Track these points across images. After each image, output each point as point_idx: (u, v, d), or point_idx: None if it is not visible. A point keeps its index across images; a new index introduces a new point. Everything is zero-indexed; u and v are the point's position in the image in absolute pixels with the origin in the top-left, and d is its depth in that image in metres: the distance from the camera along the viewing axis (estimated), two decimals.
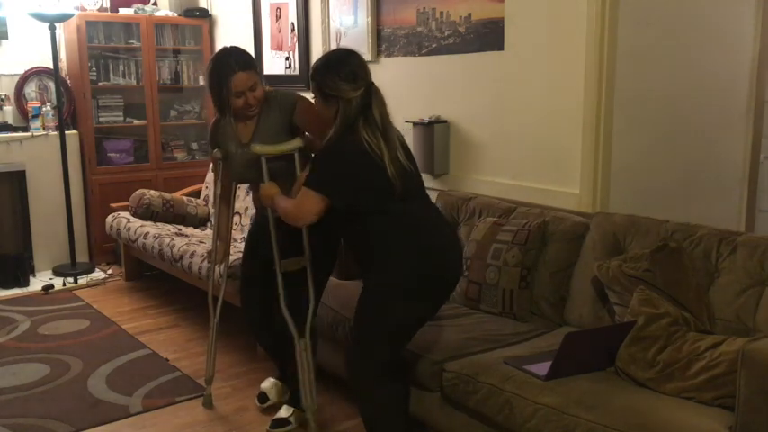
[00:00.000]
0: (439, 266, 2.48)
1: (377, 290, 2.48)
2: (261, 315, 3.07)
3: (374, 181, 2.40)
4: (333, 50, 2.64)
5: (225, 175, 3.06)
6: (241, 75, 2.75)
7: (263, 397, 3.20)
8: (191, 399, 3.29)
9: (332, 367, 3.22)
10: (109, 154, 5.48)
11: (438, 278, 2.49)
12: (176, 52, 5.74)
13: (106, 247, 5.50)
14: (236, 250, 4.11)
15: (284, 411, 3.03)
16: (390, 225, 2.44)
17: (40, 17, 4.88)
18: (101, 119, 5.45)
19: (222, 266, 3.35)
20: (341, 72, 2.42)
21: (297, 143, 2.76)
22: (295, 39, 4.80)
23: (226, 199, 3.15)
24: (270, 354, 3.27)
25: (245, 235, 3.44)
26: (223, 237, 3.18)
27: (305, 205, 2.44)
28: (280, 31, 4.94)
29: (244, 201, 4.60)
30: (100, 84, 5.42)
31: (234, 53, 2.83)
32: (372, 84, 2.45)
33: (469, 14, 3.60)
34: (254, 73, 2.81)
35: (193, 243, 4.28)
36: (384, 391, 2.52)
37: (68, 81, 5.44)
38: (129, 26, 5.50)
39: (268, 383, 3.23)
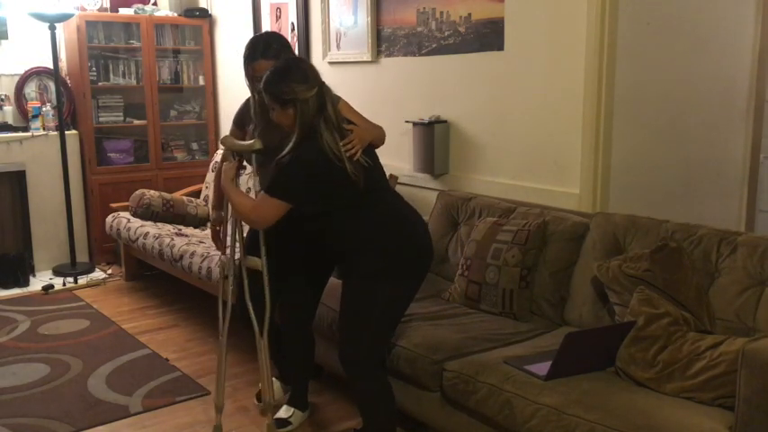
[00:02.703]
0: (412, 249, 2.61)
1: (359, 279, 2.58)
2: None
3: (337, 184, 2.47)
4: (279, 61, 2.67)
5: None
6: (262, 62, 2.77)
7: (261, 396, 3.19)
8: (191, 399, 3.29)
9: (332, 367, 3.21)
10: (109, 154, 5.49)
11: (412, 260, 2.62)
12: (176, 52, 5.74)
13: (106, 247, 5.50)
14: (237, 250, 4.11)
15: (284, 412, 3.03)
16: (360, 218, 2.54)
17: (40, 17, 4.88)
18: (101, 119, 5.45)
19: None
20: (293, 76, 2.48)
21: (256, 144, 2.68)
22: (295, 39, 4.80)
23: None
24: (272, 356, 3.25)
25: None
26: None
27: (263, 210, 2.49)
28: (280, 31, 4.94)
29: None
30: (100, 84, 5.42)
31: (265, 39, 2.86)
32: (324, 83, 2.53)
33: (469, 14, 3.60)
34: None
35: (193, 243, 4.28)
36: (376, 376, 2.62)
37: (68, 81, 5.44)
38: (129, 26, 5.50)
39: None
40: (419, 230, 2.68)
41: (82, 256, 5.42)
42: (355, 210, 2.52)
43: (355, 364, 2.62)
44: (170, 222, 4.92)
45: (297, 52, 4.77)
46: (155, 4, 5.76)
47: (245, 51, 2.85)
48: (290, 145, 2.49)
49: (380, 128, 2.76)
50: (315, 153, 2.43)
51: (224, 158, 2.77)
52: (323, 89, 2.50)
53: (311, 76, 2.50)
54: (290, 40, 4.83)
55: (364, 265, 2.57)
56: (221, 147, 2.89)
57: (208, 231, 4.87)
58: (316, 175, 2.45)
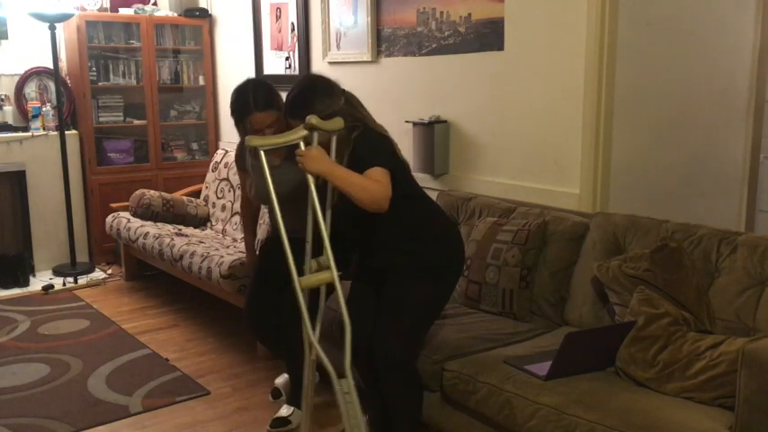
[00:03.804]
0: (460, 243, 2.70)
1: (417, 274, 2.55)
2: (267, 316, 3.04)
3: (405, 164, 2.61)
4: (292, 88, 2.57)
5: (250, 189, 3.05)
6: (258, 115, 2.74)
7: (276, 392, 3.22)
8: (191, 399, 3.29)
9: (332, 367, 3.21)
10: (109, 154, 5.49)
11: (460, 254, 2.70)
12: (176, 52, 5.74)
13: (106, 247, 5.50)
14: (237, 250, 4.12)
15: (284, 410, 3.03)
16: (423, 209, 2.64)
17: (40, 17, 4.88)
18: (101, 119, 5.45)
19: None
20: (320, 92, 2.49)
21: (339, 123, 2.39)
22: (295, 39, 4.80)
23: (252, 217, 3.25)
24: (275, 354, 3.26)
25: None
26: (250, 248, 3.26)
27: (385, 183, 2.37)
28: (280, 31, 4.94)
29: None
30: (100, 84, 5.42)
31: (254, 90, 2.78)
32: (344, 90, 2.58)
33: (469, 14, 3.60)
34: (274, 111, 2.75)
35: (193, 243, 4.29)
36: (413, 372, 2.62)
37: (68, 81, 5.44)
38: (129, 26, 5.50)
39: (282, 379, 3.25)
40: (457, 230, 2.78)
41: (82, 256, 5.42)
42: (417, 201, 2.61)
43: (406, 369, 2.57)
44: (170, 222, 4.93)
45: (297, 52, 4.78)
46: (155, 4, 5.76)
47: (233, 106, 2.80)
48: (358, 133, 2.50)
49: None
50: (383, 131, 2.55)
51: (308, 134, 2.35)
52: (346, 95, 2.55)
53: (333, 86, 2.54)
54: (289, 40, 4.84)
55: (413, 262, 2.54)
56: (257, 145, 2.34)
57: (208, 231, 4.89)
58: (390, 141, 2.53)
